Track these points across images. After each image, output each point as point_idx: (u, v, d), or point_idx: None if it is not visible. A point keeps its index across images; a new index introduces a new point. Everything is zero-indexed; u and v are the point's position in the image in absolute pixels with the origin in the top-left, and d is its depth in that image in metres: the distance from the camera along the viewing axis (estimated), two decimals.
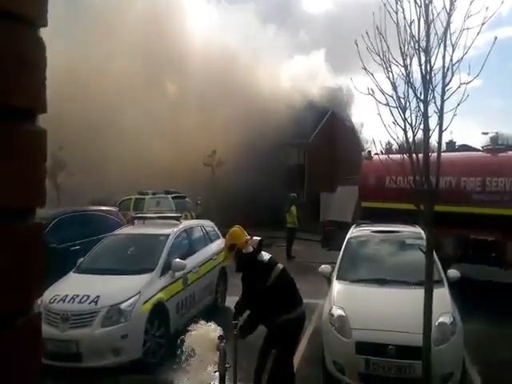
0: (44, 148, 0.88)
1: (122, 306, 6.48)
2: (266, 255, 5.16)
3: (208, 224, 10.58)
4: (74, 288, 6.89)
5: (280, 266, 5.15)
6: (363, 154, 23.05)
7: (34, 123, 0.87)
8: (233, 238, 5.17)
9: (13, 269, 0.77)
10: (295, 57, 33.44)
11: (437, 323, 5.42)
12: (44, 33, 0.90)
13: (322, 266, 7.52)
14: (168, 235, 8.28)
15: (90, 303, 6.47)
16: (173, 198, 18.90)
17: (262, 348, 5.02)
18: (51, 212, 10.26)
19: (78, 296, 6.59)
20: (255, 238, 5.21)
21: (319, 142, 29.19)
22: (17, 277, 0.78)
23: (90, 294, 6.59)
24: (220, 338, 4.66)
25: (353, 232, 8.35)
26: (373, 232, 8.19)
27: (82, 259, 8.06)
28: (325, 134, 29.98)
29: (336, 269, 7.22)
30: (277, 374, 4.89)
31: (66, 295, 6.65)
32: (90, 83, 23.16)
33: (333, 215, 15.87)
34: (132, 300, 6.58)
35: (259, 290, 4.95)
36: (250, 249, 5.04)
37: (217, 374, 4.63)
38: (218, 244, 10.16)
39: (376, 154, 12.34)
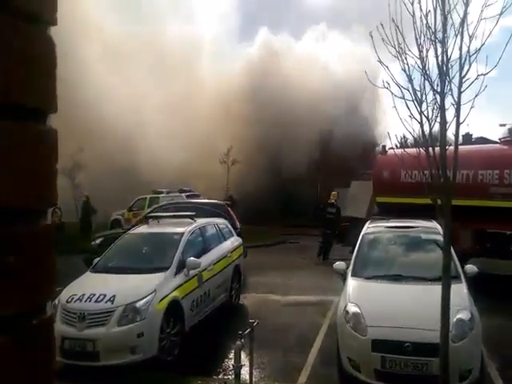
0: (55, 148, 0.86)
1: (138, 304, 6.50)
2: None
3: (221, 222, 10.57)
4: (90, 287, 6.94)
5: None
6: (377, 148, 22.85)
7: (44, 123, 0.85)
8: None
9: (23, 270, 0.75)
10: (307, 50, 32.96)
11: (455, 319, 5.34)
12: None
13: (337, 262, 7.45)
14: (182, 234, 8.29)
15: (106, 302, 6.50)
16: (187, 196, 18.93)
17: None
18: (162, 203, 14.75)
19: (94, 295, 6.63)
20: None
21: (333, 137, 28.86)
22: (28, 278, 0.76)
23: (107, 293, 6.62)
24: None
25: (367, 228, 8.25)
26: (388, 227, 8.10)
27: (98, 259, 8.12)
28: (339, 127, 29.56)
29: (351, 265, 7.15)
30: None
31: (83, 294, 6.69)
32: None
33: (347, 211, 15.80)
34: (147, 298, 6.60)
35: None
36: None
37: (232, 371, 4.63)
38: (232, 242, 10.16)
39: (391, 148, 12.23)
